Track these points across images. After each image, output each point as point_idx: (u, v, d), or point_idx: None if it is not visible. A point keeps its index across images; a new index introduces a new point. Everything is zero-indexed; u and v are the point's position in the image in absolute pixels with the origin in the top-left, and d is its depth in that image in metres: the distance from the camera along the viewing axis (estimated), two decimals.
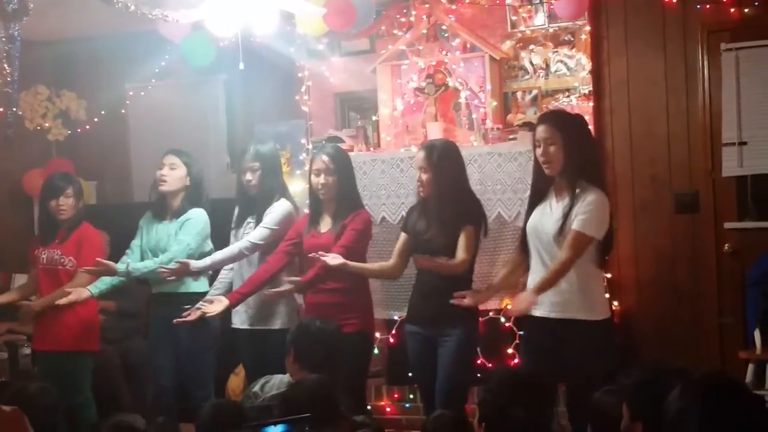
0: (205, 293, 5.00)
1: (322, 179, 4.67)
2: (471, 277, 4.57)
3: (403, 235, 4.67)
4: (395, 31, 5.79)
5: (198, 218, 4.97)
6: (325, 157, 4.69)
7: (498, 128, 5.37)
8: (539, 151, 4.16)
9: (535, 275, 4.23)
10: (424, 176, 4.48)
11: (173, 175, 4.98)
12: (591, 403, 3.43)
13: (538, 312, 4.21)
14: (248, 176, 4.85)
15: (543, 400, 3.12)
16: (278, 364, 4.49)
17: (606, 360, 4.10)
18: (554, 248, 4.13)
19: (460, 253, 4.41)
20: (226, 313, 4.85)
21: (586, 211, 4.06)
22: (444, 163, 4.47)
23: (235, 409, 3.48)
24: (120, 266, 4.87)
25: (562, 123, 4.20)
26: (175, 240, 4.93)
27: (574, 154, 4.11)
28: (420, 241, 4.52)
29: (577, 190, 4.11)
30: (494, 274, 5.23)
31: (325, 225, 4.70)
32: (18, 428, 2.08)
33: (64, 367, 5.04)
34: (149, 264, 4.88)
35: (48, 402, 3.54)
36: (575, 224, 4.07)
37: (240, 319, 4.92)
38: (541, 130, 4.17)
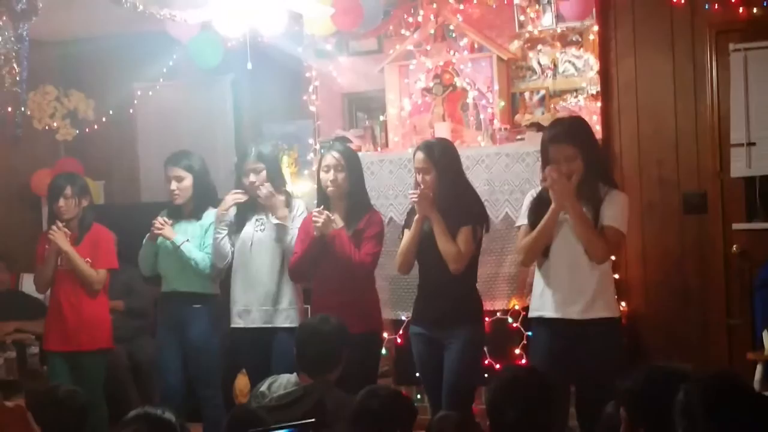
0: (211, 295, 5.02)
1: (331, 175, 4.67)
2: (476, 277, 4.57)
3: (405, 232, 4.65)
4: (403, 31, 5.78)
5: None
6: (336, 154, 4.71)
7: (506, 128, 5.36)
8: (563, 167, 4.12)
9: (556, 279, 4.23)
10: (427, 177, 4.48)
11: (182, 187, 5.04)
12: (601, 417, 3.42)
13: (557, 314, 4.21)
14: (252, 177, 4.86)
15: (546, 400, 3.11)
16: (279, 363, 4.50)
17: (617, 359, 4.12)
18: (574, 246, 4.16)
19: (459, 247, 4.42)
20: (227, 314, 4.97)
21: (617, 208, 4.15)
22: (445, 160, 4.48)
23: (255, 417, 3.47)
24: (178, 238, 4.96)
25: (575, 136, 4.17)
26: (202, 240, 5.00)
27: (592, 161, 4.18)
28: (424, 239, 4.52)
29: (601, 193, 4.18)
30: (502, 274, 5.24)
31: (336, 223, 4.69)
32: (22, 423, 2.08)
33: (79, 366, 5.06)
34: (198, 254, 4.95)
35: (78, 405, 3.53)
36: (610, 220, 4.13)
37: (240, 318, 4.92)
38: (559, 150, 4.15)
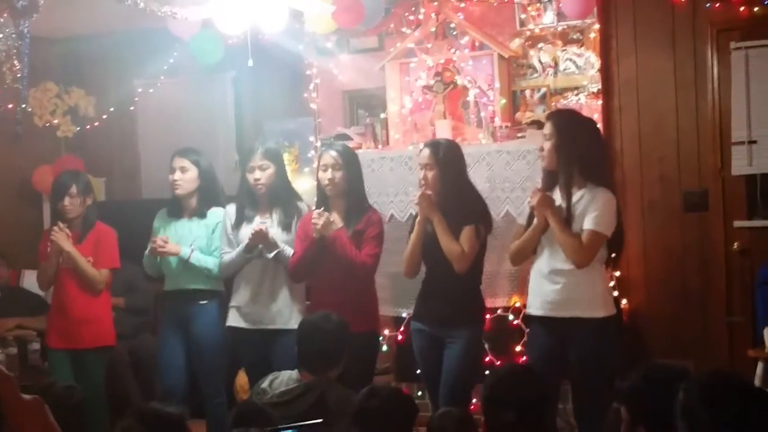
0: (215, 291, 5.02)
1: (329, 174, 4.66)
2: (479, 277, 4.58)
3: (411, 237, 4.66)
4: (404, 29, 5.78)
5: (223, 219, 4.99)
6: (333, 153, 4.70)
7: (506, 126, 5.36)
8: (540, 145, 4.31)
9: (540, 264, 4.28)
10: (430, 173, 4.49)
11: (185, 178, 4.99)
12: (608, 414, 3.43)
13: (540, 312, 4.24)
14: (257, 174, 4.83)
15: (539, 397, 3.11)
16: (281, 365, 4.50)
17: (610, 357, 4.13)
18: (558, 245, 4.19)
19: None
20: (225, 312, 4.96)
21: (597, 209, 4.12)
22: (449, 159, 4.49)
23: (261, 413, 3.47)
24: (184, 250, 4.92)
25: (561, 121, 4.28)
26: (209, 240, 4.97)
27: (568, 153, 4.19)
28: (428, 238, 4.52)
29: (581, 190, 4.19)
30: (503, 271, 5.25)
31: (335, 224, 4.68)
32: (39, 417, 2.09)
33: (81, 363, 5.08)
34: (209, 260, 4.93)
35: (75, 402, 3.54)
36: (589, 223, 4.12)
37: (240, 318, 4.90)
38: (545, 127, 4.33)
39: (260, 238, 4.71)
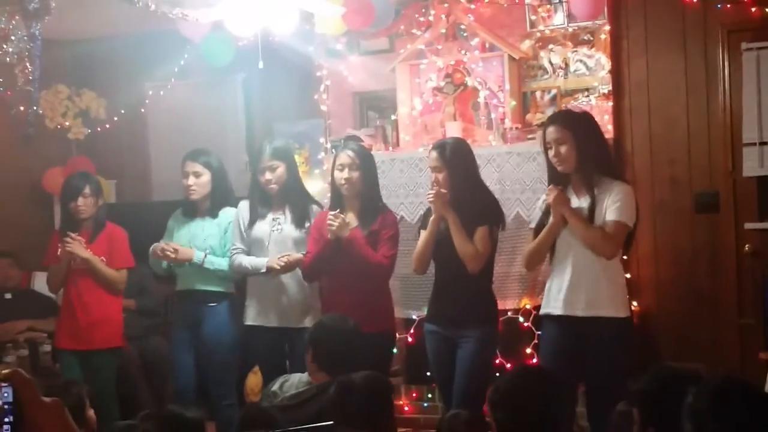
0: (228, 293, 5.03)
1: (346, 174, 4.65)
2: (491, 277, 4.57)
3: (422, 233, 4.65)
4: (414, 31, 5.79)
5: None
6: (350, 152, 4.68)
7: (517, 128, 5.36)
8: (551, 152, 4.24)
9: (561, 275, 4.24)
10: (440, 175, 4.48)
11: (199, 183, 5.01)
12: (612, 417, 3.42)
13: (561, 311, 4.22)
14: (267, 175, 4.83)
15: (552, 399, 3.10)
16: (296, 364, 4.50)
17: (626, 359, 4.11)
18: (579, 244, 4.17)
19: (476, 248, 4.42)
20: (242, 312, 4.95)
21: (618, 200, 4.13)
22: (457, 159, 4.48)
23: (267, 415, 3.48)
24: (198, 254, 4.93)
25: (571, 122, 4.26)
26: (222, 239, 4.99)
27: (586, 151, 4.18)
28: (440, 237, 4.51)
29: (599, 187, 4.17)
30: (513, 273, 5.24)
31: (351, 223, 4.68)
32: (59, 419, 2.09)
33: (91, 364, 5.09)
34: (222, 262, 4.94)
35: (75, 398, 3.54)
36: (612, 214, 4.12)
37: (257, 316, 4.91)
38: (550, 131, 4.25)
39: (288, 268, 4.74)
